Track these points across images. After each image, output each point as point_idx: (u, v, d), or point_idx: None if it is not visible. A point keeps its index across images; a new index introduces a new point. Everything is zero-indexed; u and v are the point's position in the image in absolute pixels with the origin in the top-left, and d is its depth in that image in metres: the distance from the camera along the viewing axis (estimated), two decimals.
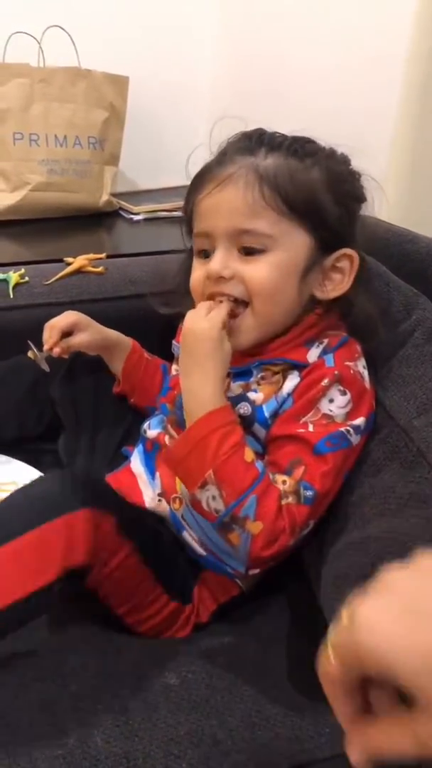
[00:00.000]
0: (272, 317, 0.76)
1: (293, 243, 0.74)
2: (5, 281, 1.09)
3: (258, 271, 0.74)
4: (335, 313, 0.80)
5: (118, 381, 1.00)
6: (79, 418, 1.00)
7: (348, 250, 0.76)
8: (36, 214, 1.44)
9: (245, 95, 1.57)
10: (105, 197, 1.52)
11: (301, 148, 0.76)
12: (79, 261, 1.13)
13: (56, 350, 0.93)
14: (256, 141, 0.77)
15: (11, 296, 1.07)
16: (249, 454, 0.70)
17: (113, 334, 0.98)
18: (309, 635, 0.77)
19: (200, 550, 0.80)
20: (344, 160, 0.79)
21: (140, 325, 1.01)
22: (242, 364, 0.78)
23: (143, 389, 0.99)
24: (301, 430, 0.71)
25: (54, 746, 0.65)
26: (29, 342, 0.95)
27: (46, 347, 0.93)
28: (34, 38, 1.41)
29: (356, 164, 0.81)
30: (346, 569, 0.64)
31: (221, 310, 0.74)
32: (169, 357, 0.99)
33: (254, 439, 0.76)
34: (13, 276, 1.09)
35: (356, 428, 0.72)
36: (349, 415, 0.73)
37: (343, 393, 0.73)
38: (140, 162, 1.64)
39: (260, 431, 0.75)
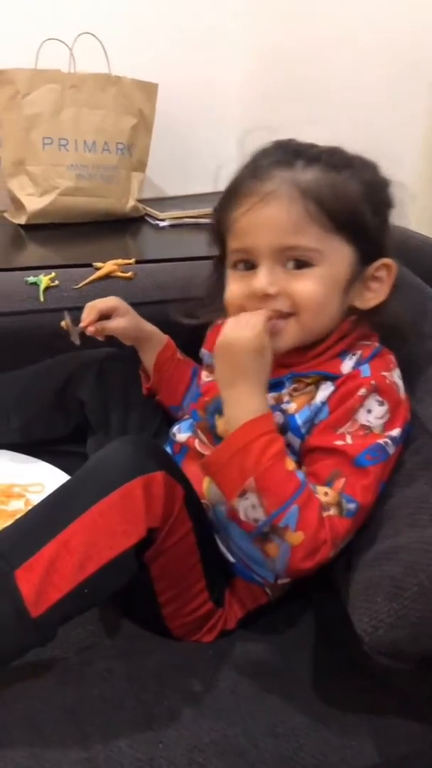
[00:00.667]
0: (315, 328, 0.77)
1: (338, 257, 0.74)
2: (36, 284, 1.09)
3: (306, 286, 0.74)
4: (366, 322, 0.79)
5: (147, 377, 1.01)
6: (109, 421, 1.01)
7: (386, 260, 0.77)
8: (63, 218, 1.45)
9: (274, 102, 1.57)
10: (131, 203, 1.52)
11: (337, 159, 0.76)
12: (108, 266, 1.13)
13: (90, 329, 0.95)
14: (292, 153, 0.76)
15: (42, 299, 1.08)
16: (290, 464, 0.70)
17: (149, 326, 1.00)
18: (335, 645, 0.77)
19: (230, 557, 0.80)
20: (375, 167, 0.79)
21: (168, 331, 1.01)
22: (275, 376, 0.78)
23: (170, 387, 0.99)
24: (340, 442, 0.71)
25: (79, 750, 0.65)
26: (65, 312, 0.96)
27: (82, 324, 0.95)
28: (66, 45, 1.42)
29: (386, 173, 0.80)
30: (378, 579, 0.64)
31: (261, 317, 0.73)
32: (197, 362, 1.00)
33: (287, 448, 0.75)
34: (44, 279, 1.10)
35: (393, 439, 0.72)
36: (386, 426, 0.72)
37: (381, 403, 0.72)
38: (167, 168, 1.65)
39: (294, 440, 0.75)
